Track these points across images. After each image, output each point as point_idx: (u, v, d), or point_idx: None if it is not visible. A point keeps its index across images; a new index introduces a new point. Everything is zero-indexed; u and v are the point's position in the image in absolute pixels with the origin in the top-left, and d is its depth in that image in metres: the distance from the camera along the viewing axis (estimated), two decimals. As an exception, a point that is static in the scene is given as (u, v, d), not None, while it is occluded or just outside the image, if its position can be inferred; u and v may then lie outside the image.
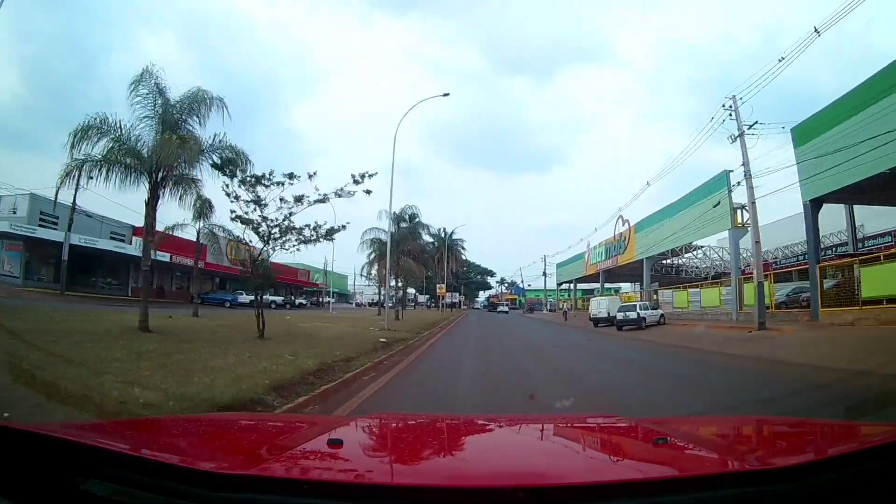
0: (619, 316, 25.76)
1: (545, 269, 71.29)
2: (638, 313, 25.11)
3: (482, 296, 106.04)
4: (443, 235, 56.93)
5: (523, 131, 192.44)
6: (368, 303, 70.90)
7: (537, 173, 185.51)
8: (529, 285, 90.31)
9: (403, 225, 36.94)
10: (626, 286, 69.03)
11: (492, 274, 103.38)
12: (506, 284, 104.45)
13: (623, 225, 41.44)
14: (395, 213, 29.82)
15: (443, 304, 64.28)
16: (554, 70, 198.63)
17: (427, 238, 58.03)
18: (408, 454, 1.63)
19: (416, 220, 55.67)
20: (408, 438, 1.93)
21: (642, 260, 36.00)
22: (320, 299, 60.58)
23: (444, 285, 57.72)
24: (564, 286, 69.21)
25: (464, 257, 66.92)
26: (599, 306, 31.43)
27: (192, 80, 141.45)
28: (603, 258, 46.47)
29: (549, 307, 73.29)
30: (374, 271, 38.59)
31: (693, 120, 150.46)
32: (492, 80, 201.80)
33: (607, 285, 64.96)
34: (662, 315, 26.72)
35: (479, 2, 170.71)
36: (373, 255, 35.96)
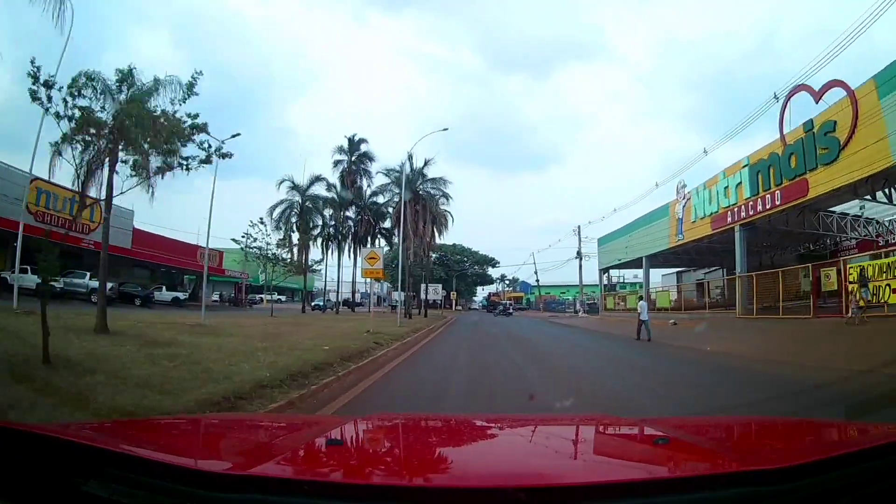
0: None
1: (580, 246, 43.35)
2: None
3: (481, 293, 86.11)
4: (408, 171, 31.44)
5: (520, 129, 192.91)
6: (333, 303, 45.85)
7: (535, 172, 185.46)
8: (537, 282, 68.15)
9: None
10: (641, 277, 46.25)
11: (494, 263, 77.04)
12: (507, 281, 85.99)
13: (823, 98, 17.71)
14: None
15: (422, 303, 39.59)
16: (550, 68, 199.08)
17: (382, 179, 37.20)
18: (407, 454, 1.63)
19: (362, 150, 37.03)
20: (407, 439, 1.93)
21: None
22: (243, 295, 42.08)
23: (375, 249, 22.76)
24: (614, 275, 45.65)
25: (448, 229, 39.32)
26: None
27: (184, 78, 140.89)
28: (748, 195, 21.53)
29: (581, 307, 45.36)
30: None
31: (691, 119, 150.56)
32: (488, 78, 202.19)
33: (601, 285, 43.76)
34: None
35: None
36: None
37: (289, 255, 32.26)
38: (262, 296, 46.69)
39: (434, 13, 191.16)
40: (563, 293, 69.03)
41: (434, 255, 65.91)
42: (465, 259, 72.95)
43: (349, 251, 40.66)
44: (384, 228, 40.35)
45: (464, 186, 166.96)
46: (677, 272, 44.14)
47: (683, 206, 27.87)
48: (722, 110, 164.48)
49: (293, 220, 36.70)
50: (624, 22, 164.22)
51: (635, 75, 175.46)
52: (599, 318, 35.74)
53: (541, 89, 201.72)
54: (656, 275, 44.31)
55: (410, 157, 32.93)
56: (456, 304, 67.26)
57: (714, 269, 36.31)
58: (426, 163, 35.07)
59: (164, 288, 32.52)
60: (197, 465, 1.19)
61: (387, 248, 41.03)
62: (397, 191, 33.83)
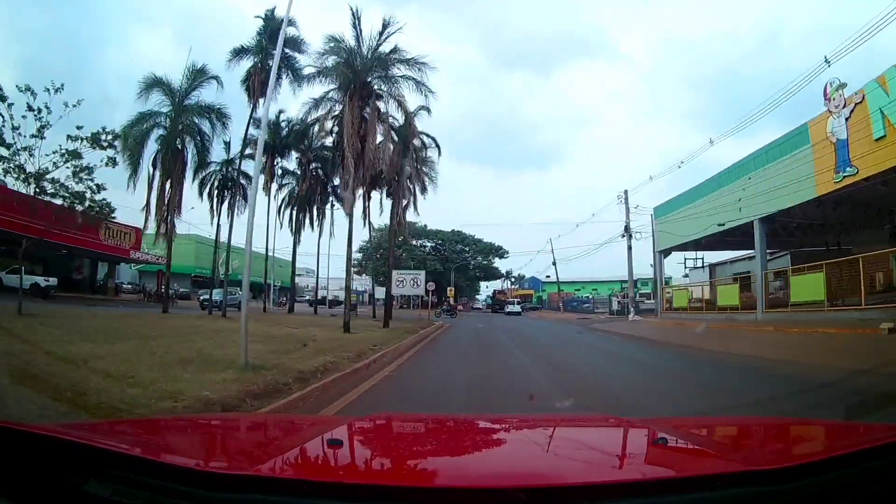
0: None
1: (628, 219, 30.87)
2: None
3: (485, 291, 74.48)
4: (352, 44, 16.71)
5: (523, 128, 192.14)
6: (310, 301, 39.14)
7: (536, 171, 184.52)
8: (548, 277, 57.34)
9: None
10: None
11: (502, 254, 61.28)
12: (513, 278, 75.48)
13: None
14: None
15: (388, 303, 23.35)
16: (551, 67, 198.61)
17: (318, 93, 18.34)
18: (408, 454, 1.63)
19: (289, 35, 17.09)
20: (408, 439, 1.94)
21: None
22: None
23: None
24: (684, 260, 33.42)
25: (435, 172, 26.64)
26: None
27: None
28: None
29: (627, 306, 33.78)
30: None
31: (691, 119, 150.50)
32: (489, 77, 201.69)
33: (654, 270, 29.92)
34: None
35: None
36: None
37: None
38: (167, 289, 26.80)
39: (435, 11, 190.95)
40: (578, 290, 60.57)
41: (429, 245, 55.67)
42: (467, 249, 57.88)
43: (290, 221, 28.79)
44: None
45: (465, 185, 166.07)
46: (710, 265, 34.51)
47: (847, 119, 15.73)
48: (722, 110, 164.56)
49: (157, 145, 21.10)
50: (624, 21, 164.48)
51: (636, 74, 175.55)
52: (670, 324, 23.35)
53: (542, 89, 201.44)
54: (675, 267, 35.29)
55: (355, 12, 16.67)
56: (453, 305, 50.80)
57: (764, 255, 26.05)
58: (385, 29, 16.92)
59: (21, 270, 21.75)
60: (197, 465, 1.19)
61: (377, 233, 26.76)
62: (337, 89, 17.12)
